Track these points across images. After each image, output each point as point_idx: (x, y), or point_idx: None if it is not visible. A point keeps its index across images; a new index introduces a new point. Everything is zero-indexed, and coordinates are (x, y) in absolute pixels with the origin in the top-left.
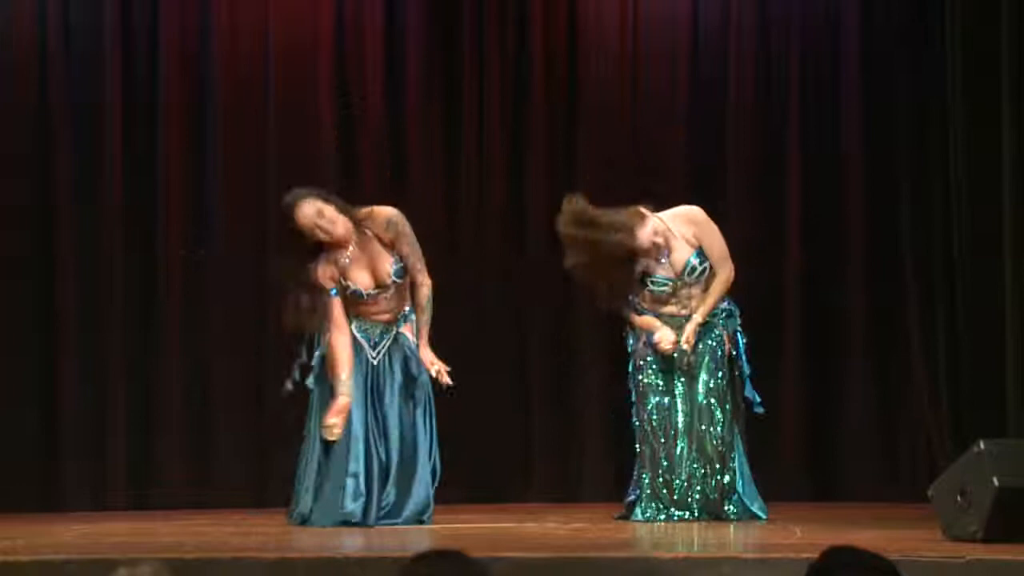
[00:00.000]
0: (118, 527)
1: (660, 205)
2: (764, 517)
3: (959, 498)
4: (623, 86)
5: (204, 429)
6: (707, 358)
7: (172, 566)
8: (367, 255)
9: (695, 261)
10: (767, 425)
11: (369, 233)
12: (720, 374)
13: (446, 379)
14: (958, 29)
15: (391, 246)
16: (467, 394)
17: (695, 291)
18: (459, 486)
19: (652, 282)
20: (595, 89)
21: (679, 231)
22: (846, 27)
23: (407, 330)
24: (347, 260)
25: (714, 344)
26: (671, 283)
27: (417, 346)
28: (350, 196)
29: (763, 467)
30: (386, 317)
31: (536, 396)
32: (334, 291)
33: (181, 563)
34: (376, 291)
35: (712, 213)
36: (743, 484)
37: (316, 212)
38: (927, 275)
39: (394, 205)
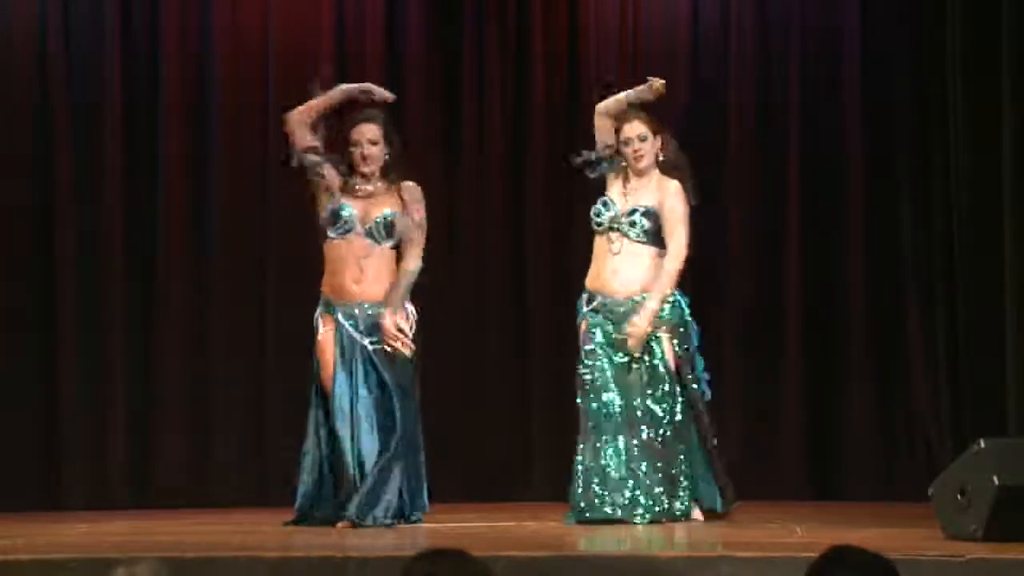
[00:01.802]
0: (118, 526)
1: None
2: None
3: (959, 497)
4: (623, 86)
5: (204, 429)
6: (645, 352)
7: (171, 565)
8: (373, 198)
9: (645, 213)
10: (767, 425)
11: (393, 187)
12: (660, 369)
13: (404, 348)
14: (958, 29)
15: (402, 207)
16: (467, 393)
17: (632, 249)
18: (459, 486)
19: (596, 212)
20: (595, 89)
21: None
22: (846, 27)
23: (402, 321)
24: (356, 185)
25: (653, 337)
26: (613, 214)
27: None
28: None
29: (763, 467)
30: (372, 291)
31: (536, 396)
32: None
33: (181, 562)
34: (355, 224)
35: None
36: (692, 481)
37: (373, 136)
38: (927, 275)
39: None
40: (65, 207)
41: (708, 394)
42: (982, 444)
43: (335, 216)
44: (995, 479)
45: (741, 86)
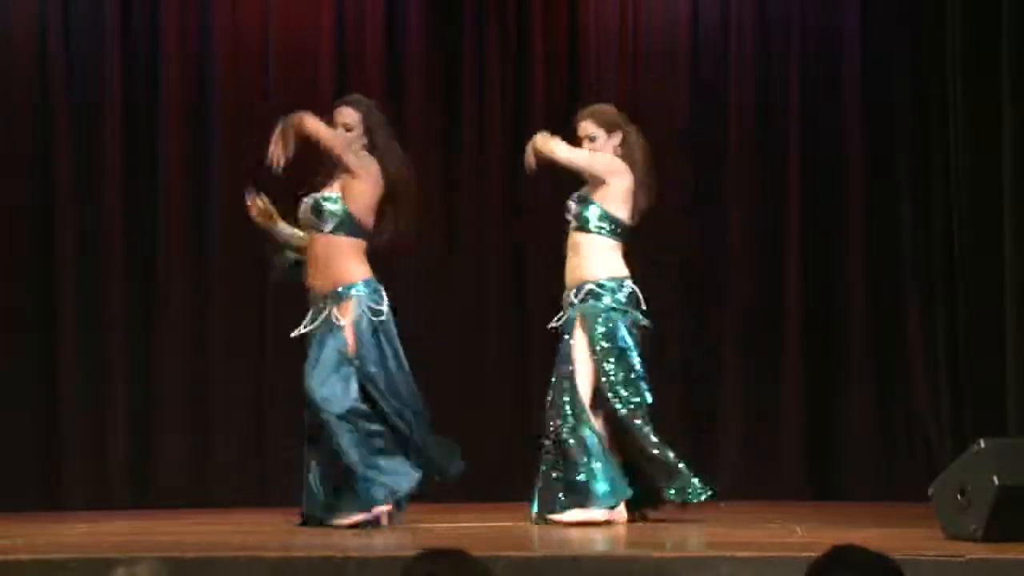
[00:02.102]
0: (118, 526)
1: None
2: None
3: (959, 497)
4: (623, 87)
5: (204, 429)
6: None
7: (171, 565)
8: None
9: (578, 199)
10: (767, 425)
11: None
12: (569, 363)
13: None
14: (958, 28)
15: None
16: (467, 393)
17: (574, 240)
18: (459, 486)
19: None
20: (595, 90)
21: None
22: (846, 27)
23: (343, 314)
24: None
25: (565, 330)
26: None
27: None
28: None
29: (763, 467)
30: (322, 284)
31: (536, 395)
32: None
33: (181, 562)
34: (305, 221)
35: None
36: (596, 483)
37: (351, 121)
38: (927, 275)
39: None
40: (65, 207)
41: (644, 398)
42: (982, 444)
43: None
44: (995, 479)
45: (741, 86)
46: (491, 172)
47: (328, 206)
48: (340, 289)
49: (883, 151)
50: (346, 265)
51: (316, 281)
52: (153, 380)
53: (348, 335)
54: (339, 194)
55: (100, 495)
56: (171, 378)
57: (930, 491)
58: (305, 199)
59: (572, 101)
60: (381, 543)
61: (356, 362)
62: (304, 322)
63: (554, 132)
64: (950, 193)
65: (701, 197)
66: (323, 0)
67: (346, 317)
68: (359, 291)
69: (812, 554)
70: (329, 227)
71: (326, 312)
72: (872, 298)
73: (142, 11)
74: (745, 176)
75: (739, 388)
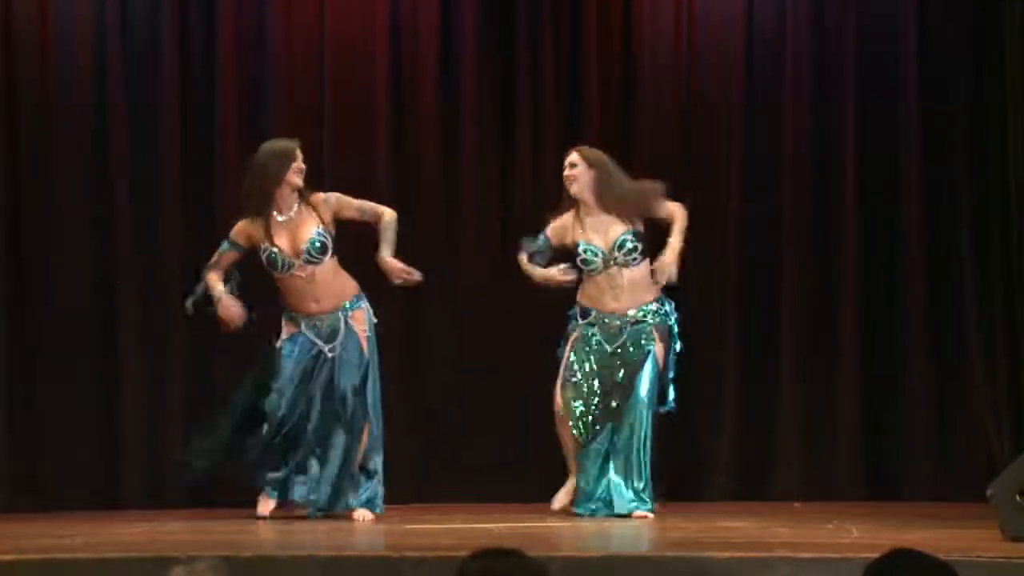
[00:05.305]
0: (177, 525)
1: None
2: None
3: (1018, 498)
4: (678, 86)
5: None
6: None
7: (229, 564)
8: (294, 224)
9: (629, 237)
10: (825, 425)
11: (307, 206)
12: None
13: (415, 278)
14: (1018, 29)
15: (331, 221)
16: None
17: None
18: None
19: (584, 251)
20: (650, 89)
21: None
22: (903, 27)
23: (357, 320)
24: (280, 219)
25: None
26: (601, 256)
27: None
28: (402, 195)
29: (820, 467)
30: (330, 304)
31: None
32: (229, 245)
33: (238, 561)
34: (291, 260)
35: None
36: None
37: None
38: (986, 275)
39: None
40: (123, 206)
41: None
42: None
43: (272, 260)
44: None
45: (796, 87)
46: (546, 171)
47: (326, 240)
48: (348, 303)
49: (941, 152)
50: (345, 281)
51: (318, 304)
52: (212, 380)
53: (363, 341)
54: (322, 226)
55: (159, 494)
56: (230, 378)
57: (989, 492)
58: (310, 234)
59: (626, 101)
60: (436, 542)
61: (367, 363)
62: (323, 342)
63: (608, 133)
64: (1009, 194)
65: (755, 196)
66: (378, 1)
67: (361, 325)
68: (365, 302)
69: (868, 555)
70: (328, 256)
71: (341, 325)
72: (930, 297)
73: (199, 12)
74: (801, 175)
75: (796, 388)
